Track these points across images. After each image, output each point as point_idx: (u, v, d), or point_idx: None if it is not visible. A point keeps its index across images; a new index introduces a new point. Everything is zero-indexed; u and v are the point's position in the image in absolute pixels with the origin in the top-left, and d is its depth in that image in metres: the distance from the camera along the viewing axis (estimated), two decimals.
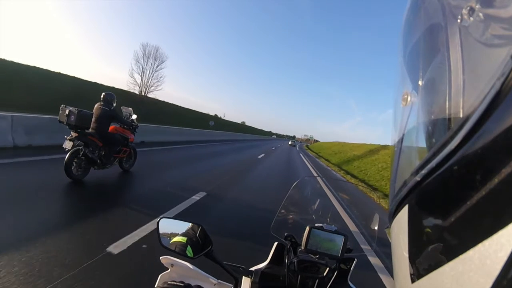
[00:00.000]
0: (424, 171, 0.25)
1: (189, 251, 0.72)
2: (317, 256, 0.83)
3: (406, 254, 0.27)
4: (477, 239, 0.18)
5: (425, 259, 0.24)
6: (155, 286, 0.73)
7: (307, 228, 0.82)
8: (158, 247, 0.71)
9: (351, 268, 0.90)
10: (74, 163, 3.73)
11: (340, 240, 0.82)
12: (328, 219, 0.98)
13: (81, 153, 3.79)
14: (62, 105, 3.86)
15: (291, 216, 1.09)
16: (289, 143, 48.46)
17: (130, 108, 5.44)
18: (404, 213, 0.28)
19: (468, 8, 0.23)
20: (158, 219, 0.78)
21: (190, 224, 0.78)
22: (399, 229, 0.29)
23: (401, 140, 0.34)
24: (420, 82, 0.31)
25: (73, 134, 3.78)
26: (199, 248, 0.73)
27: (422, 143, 0.28)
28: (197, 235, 0.75)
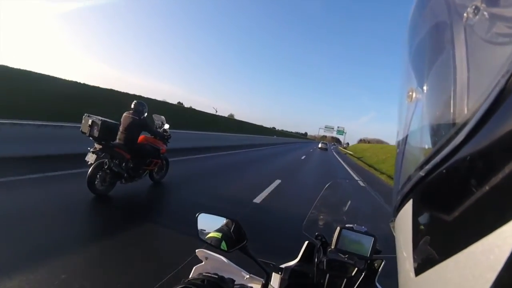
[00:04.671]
0: (428, 166, 0.25)
1: (223, 245, 0.76)
2: (346, 256, 0.85)
3: (410, 248, 0.28)
4: (481, 234, 0.18)
5: (428, 253, 0.24)
6: (190, 277, 0.75)
7: (338, 228, 0.84)
8: None
9: (379, 269, 0.90)
10: (98, 177, 3.45)
11: (369, 241, 0.83)
12: (358, 221, 0.98)
13: (106, 166, 3.49)
14: (85, 114, 3.54)
15: (322, 217, 1.10)
16: (319, 145, 40.13)
17: (163, 117, 5.00)
18: (408, 208, 0.29)
19: (473, 7, 0.23)
20: (197, 214, 0.83)
21: (226, 219, 0.81)
22: (403, 223, 0.30)
23: (406, 136, 0.35)
24: (425, 79, 0.31)
25: (97, 146, 3.46)
26: (234, 243, 0.76)
27: (427, 139, 0.28)
28: (231, 230, 0.78)
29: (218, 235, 0.78)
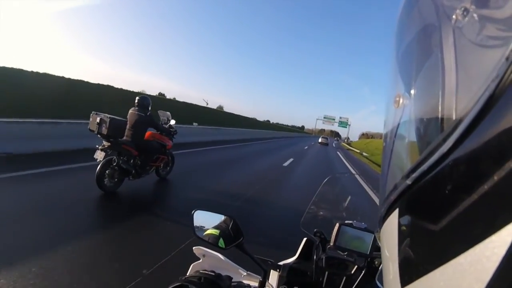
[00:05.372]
0: (415, 175, 0.24)
1: (221, 243, 0.76)
2: (346, 253, 0.84)
3: (396, 259, 0.27)
4: (469, 244, 0.18)
5: (415, 264, 0.24)
6: (187, 274, 0.75)
7: (337, 225, 0.83)
8: None
9: (380, 268, 0.88)
10: (106, 174, 3.47)
11: (369, 238, 0.81)
12: (358, 217, 0.97)
13: (114, 163, 3.52)
14: (92, 112, 3.55)
15: (321, 213, 1.09)
16: (319, 140, 35.90)
17: (168, 112, 5.05)
18: (394, 217, 0.28)
19: (463, 8, 0.23)
20: (193, 211, 0.82)
21: (223, 216, 0.81)
22: (389, 233, 0.29)
23: (392, 143, 0.34)
24: (413, 84, 0.30)
25: (105, 143, 3.47)
26: (231, 240, 0.76)
27: (414, 146, 0.28)
28: (229, 228, 0.78)
29: (215, 232, 0.77)
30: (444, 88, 0.24)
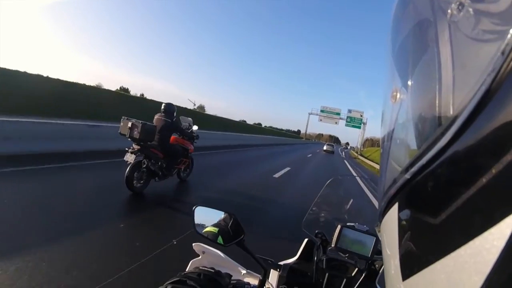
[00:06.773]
0: (414, 169, 0.25)
1: (219, 240, 0.75)
2: (347, 255, 0.84)
3: (397, 252, 0.27)
4: (468, 237, 0.18)
5: (415, 257, 0.24)
6: (186, 270, 0.75)
7: (338, 227, 0.83)
8: None
9: (380, 271, 0.88)
10: (135, 176, 3.68)
11: (371, 240, 0.81)
12: (360, 219, 0.97)
13: (144, 165, 3.74)
14: (123, 117, 3.75)
15: (323, 214, 1.09)
16: (324, 148, 33.08)
17: (190, 118, 5.41)
18: (394, 211, 0.28)
19: (458, 3, 0.23)
20: (194, 207, 0.82)
21: (224, 213, 0.81)
22: (389, 227, 0.29)
23: (390, 138, 0.34)
24: (409, 79, 0.30)
25: (135, 146, 3.69)
26: (231, 237, 0.75)
27: (412, 141, 0.28)
28: (229, 225, 0.77)
29: (215, 229, 0.77)
30: (441, 82, 0.24)
